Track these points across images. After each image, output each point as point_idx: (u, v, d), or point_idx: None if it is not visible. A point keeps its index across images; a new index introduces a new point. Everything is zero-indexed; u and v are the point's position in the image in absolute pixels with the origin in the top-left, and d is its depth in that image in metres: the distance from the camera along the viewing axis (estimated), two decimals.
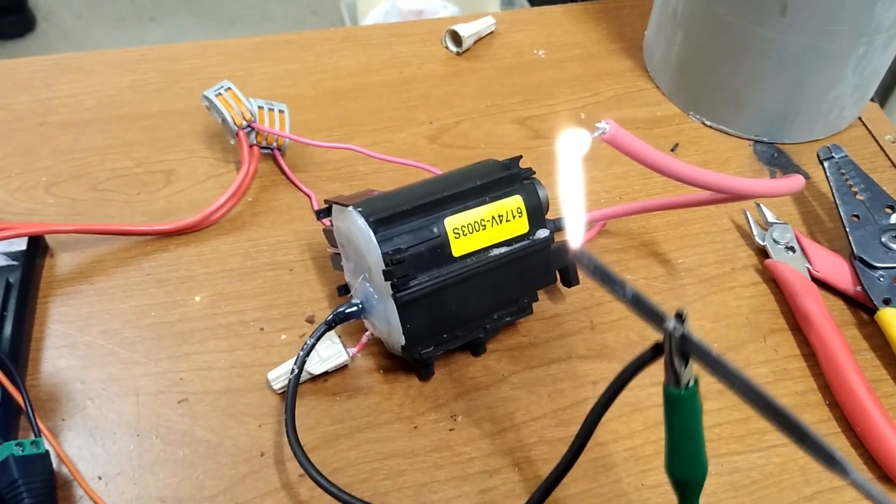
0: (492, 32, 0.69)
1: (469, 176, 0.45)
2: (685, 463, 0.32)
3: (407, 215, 0.42)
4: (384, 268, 0.41)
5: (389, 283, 0.41)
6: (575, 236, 0.33)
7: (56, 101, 0.60)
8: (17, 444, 0.40)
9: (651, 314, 0.29)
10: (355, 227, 0.42)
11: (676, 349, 0.29)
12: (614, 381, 0.34)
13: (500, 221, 0.44)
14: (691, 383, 0.30)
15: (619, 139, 0.34)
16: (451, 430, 0.45)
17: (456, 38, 0.66)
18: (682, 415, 0.31)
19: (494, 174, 0.45)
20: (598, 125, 0.34)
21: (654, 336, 0.48)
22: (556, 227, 0.48)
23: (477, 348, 0.48)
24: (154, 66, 0.63)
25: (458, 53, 0.67)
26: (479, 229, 0.44)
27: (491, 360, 0.48)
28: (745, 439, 0.46)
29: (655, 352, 0.30)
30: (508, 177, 0.45)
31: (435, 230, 0.43)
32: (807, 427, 0.25)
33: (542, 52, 0.68)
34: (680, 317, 0.29)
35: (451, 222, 0.43)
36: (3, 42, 2.02)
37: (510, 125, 0.62)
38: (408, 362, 0.47)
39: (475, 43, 0.68)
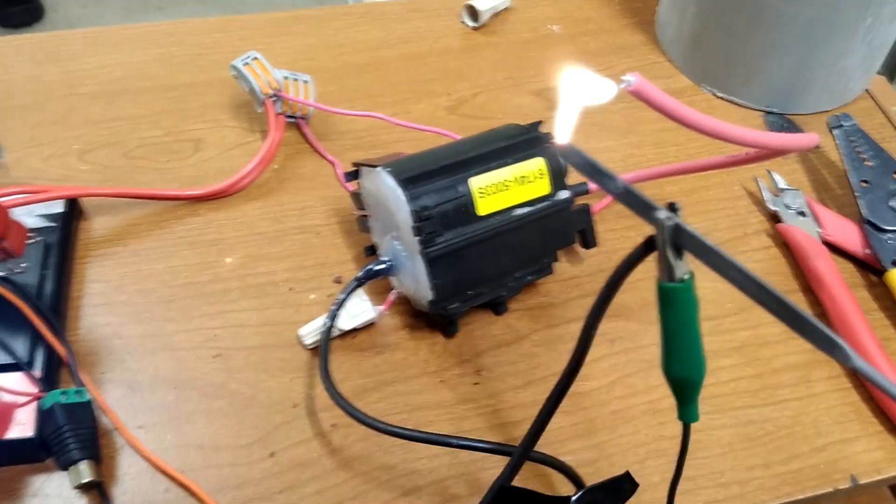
0: (507, 7, 0.70)
1: (493, 138, 0.47)
2: (682, 361, 0.31)
3: (434, 175, 0.44)
4: (413, 224, 0.43)
5: (418, 239, 0.43)
6: (563, 134, 0.32)
7: (85, 72, 0.62)
8: (62, 393, 0.41)
9: (642, 206, 0.28)
10: (384, 186, 0.44)
11: (669, 241, 0.28)
12: (608, 281, 0.32)
13: (523, 182, 0.46)
14: (686, 276, 0.29)
15: (645, 91, 0.36)
16: (476, 384, 0.47)
17: (473, 13, 0.68)
18: (677, 310, 0.30)
19: (517, 137, 0.47)
20: (623, 78, 0.36)
21: None
22: (577, 192, 0.49)
23: (498, 307, 0.50)
24: (179, 39, 0.65)
25: (474, 28, 0.68)
26: (502, 189, 0.45)
27: (512, 319, 0.50)
28: (758, 394, 0.48)
29: (647, 246, 0.29)
30: (530, 139, 0.47)
31: (461, 189, 0.44)
32: (807, 315, 0.24)
33: (556, 27, 0.70)
34: (672, 207, 0.28)
35: (476, 182, 0.44)
36: (10, 31, 2.04)
37: (527, 97, 0.63)
38: (433, 320, 0.49)
39: (491, 18, 0.69)
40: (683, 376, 0.31)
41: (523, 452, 0.38)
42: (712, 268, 0.26)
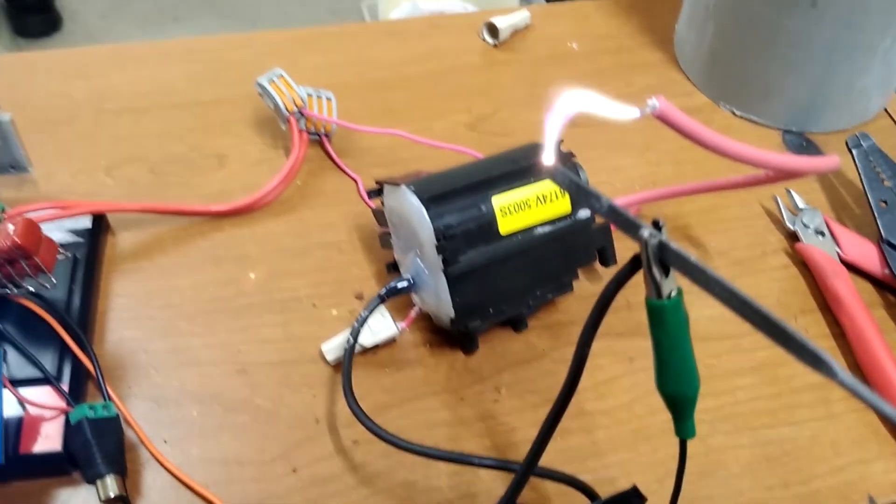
0: (527, 25, 0.71)
1: (514, 157, 0.47)
2: (675, 378, 0.31)
3: (457, 194, 0.45)
4: (436, 242, 0.43)
5: (441, 257, 0.43)
6: (549, 156, 0.33)
7: (112, 88, 0.63)
8: (89, 408, 0.42)
9: (627, 224, 0.28)
10: (408, 204, 0.45)
11: (654, 258, 0.28)
12: (598, 302, 0.32)
13: (544, 201, 0.46)
14: (673, 293, 0.29)
15: (669, 115, 0.36)
16: (496, 401, 0.47)
17: (493, 31, 0.69)
18: (666, 327, 0.30)
19: (538, 156, 0.47)
20: (648, 101, 0.36)
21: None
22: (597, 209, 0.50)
23: (518, 324, 0.50)
24: (204, 56, 0.66)
25: (494, 45, 0.69)
26: (524, 208, 0.46)
27: (532, 337, 0.50)
28: (777, 413, 0.48)
29: (634, 264, 0.29)
30: None
31: (483, 208, 0.45)
32: (792, 329, 0.24)
33: (575, 45, 0.70)
34: (656, 224, 0.28)
35: (499, 201, 0.45)
36: (29, 40, 2.06)
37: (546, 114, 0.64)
38: (453, 337, 0.49)
39: (511, 35, 0.70)
40: (676, 392, 0.32)
41: (525, 471, 0.38)
42: (696, 284, 0.26)
